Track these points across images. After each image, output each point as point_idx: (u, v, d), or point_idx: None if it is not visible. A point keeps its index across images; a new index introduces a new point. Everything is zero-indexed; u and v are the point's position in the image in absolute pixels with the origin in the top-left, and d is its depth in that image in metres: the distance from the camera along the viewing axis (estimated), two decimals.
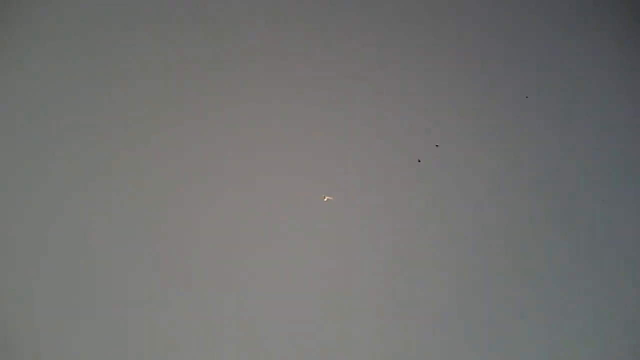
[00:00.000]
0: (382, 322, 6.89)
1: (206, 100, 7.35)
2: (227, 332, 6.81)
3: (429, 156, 7.35)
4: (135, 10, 7.38)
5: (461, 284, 7.02)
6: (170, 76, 7.34)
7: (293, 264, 7.03)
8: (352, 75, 7.47)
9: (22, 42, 7.18)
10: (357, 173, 7.30)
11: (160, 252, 6.93)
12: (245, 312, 6.88)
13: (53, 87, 7.19)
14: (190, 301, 6.85)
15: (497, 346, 6.86)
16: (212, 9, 7.46)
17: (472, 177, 7.30)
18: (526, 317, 6.94)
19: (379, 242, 7.11)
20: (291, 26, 7.50)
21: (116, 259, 6.88)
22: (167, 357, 6.70)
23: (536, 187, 7.27)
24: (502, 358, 6.84)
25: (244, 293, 6.93)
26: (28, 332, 6.64)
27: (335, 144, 7.35)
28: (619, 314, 6.88)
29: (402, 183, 7.28)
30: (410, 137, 7.38)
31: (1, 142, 7.03)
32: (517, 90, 7.49)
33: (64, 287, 6.78)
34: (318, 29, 7.53)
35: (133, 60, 7.33)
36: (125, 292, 6.81)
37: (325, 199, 7.14)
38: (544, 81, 7.49)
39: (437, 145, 6.92)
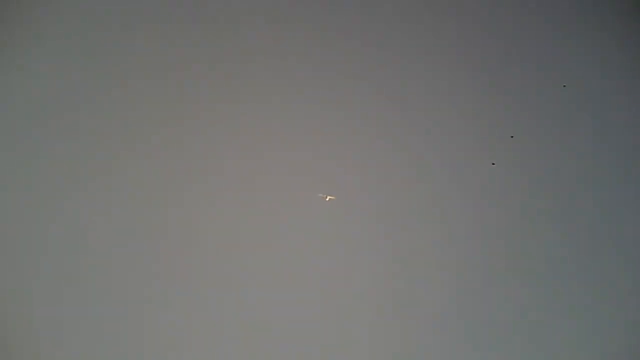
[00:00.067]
0: (382, 322, 6.89)
1: (206, 100, 7.35)
2: (227, 332, 6.81)
3: (429, 156, 7.35)
4: (135, 10, 7.38)
5: (461, 284, 7.01)
6: (170, 76, 7.34)
7: (293, 264, 7.03)
8: (352, 75, 7.47)
9: (22, 42, 7.18)
10: (357, 173, 7.29)
11: (160, 252, 6.93)
12: (245, 312, 6.88)
13: (53, 87, 7.19)
14: (190, 301, 6.85)
15: (497, 346, 6.86)
16: (212, 9, 7.46)
17: (472, 177, 7.30)
18: (526, 317, 6.93)
19: (379, 242, 7.11)
20: (291, 26, 7.50)
21: (116, 259, 6.88)
22: (167, 357, 6.69)
23: (536, 187, 7.26)
24: (502, 358, 6.84)
25: (244, 293, 6.92)
26: (28, 332, 6.64)
27: (335, 144, 7.35)
28: (619, 314, 6.88)
29: (402, 183, 7.28)
30: (410, 137, 7.38)
31: (1, 142, 7.03)
32: (517, 90, 7.48)
33: (64, 287, 6.78)
34: (318, 29, 7.53)
35: (133, 60, 7.33)
36: (125, 292, 6.81)
37: (327, 199, 7.14)
38: (544, 81, 7.48)
39: (512, 137, 6.88)
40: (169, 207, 7.05)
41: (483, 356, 6.84)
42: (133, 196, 7.04)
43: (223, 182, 7.18)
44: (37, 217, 6.90)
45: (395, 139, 7.38)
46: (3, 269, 6.76)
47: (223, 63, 7.42)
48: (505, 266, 7.07)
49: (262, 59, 7.44)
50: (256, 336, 6.81)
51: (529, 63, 7.54)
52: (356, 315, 6.89)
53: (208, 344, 6.75)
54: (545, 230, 7.16)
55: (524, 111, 7.45)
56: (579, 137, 7.38)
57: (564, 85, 7.17)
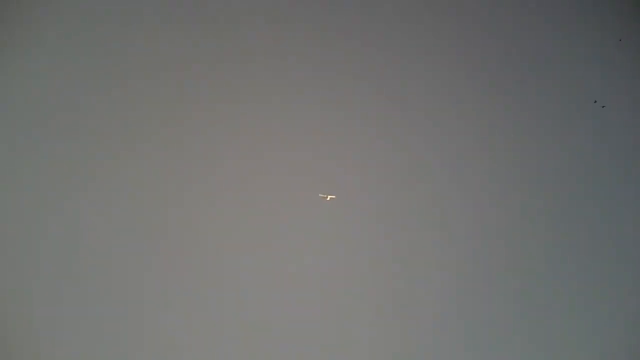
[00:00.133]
0: (382, 322, 6.90)
1: (206, 100, 7.36)
2: (227, 332, 6.81)
3: (429, 156, 7.35)
4: (135, 10, 7.38)
5: (461, 284, 7.02)
6: (170, 76, 7.34)
7: (293, 263, 7.03)
8: (352, 75, 7.48)
9: (22, 42, 7.18)
10: (357, 173, 7.30)
11: (160, 252, 6.94)
12: (245, 312, 6.88)
13: (53, 87, 7.19)
14: (190, 301, 6.86)
15: (497, 346, 6.86)
16: (212, 9, 7.46)
17: (472, 177, 7.31)
18: (526, 317, 6.94)
19: (379, 242, 7.12)
20: (291, 26, 7.50)
21: (116, 259, 6.88)
22: (167, 357, 6.70)
23: (536, 187, 7.27)
24: (502, 358, 6.84)
25: (243, 293, 6.93)
26: (28, 332, 6.65)
27: (335, 144, 7.36)
28: (619, 314, 6.88)
29: (402, 183, 7.28)
30: (410, 137, 7.38)
31: (1, 142, 7.03)
32: (517, 90, 7.48)
33: (64, 287, 6.78)
34: (318, 29, 7.53)
35: (133, 60, 7.33)
36: (125, 292, 6.81)
37: (327, 198, 7.14)
38: (544, 81, 7.49)
39: (603, 107, 6.79)
40: (169, 207, 7.05)
41: (483, 356, 6.85)
42: (133, 196, 7.04)
43: (223, 182, 7.19)
44: (37, 217, 6.90)
45: (395, 139, 7.38)
46: (3, 269, 6.77)
47: (223, 63, 7.42)
48: (505, 266, 7.07)
49: (262, 59, 7.44)
50: (256, 336, 6.81)
51: (529, 63, 7.53)
52: (356, 315, 6.90)
53: (208, 343, 6.76)
54: (545, 230, 7.16)
55: (524, 111, 7.45)
56: (579, 137, 7.38)
57: (595, 101, 7.18)
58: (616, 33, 7.46)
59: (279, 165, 7.28)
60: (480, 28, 7.61)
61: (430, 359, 6.83)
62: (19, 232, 6.86)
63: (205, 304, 6.87)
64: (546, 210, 7.22)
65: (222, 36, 7.46)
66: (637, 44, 7.43)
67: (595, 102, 7.24)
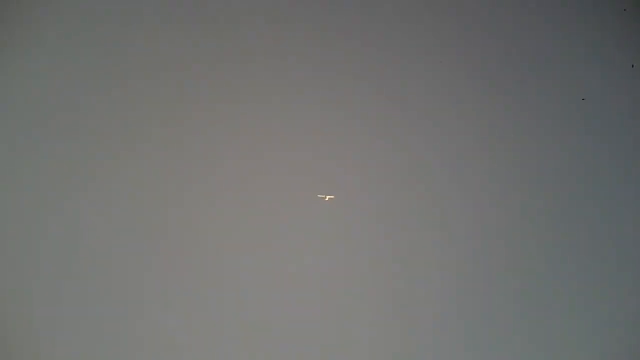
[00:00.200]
0: (382, 322, 6.90)
1: (206, 100, 7.35)
2: (227, 332, 6.81)
3: (429, 156, 7.35)
4: (135, 10, 7.38)
5: (461, 284, 7.02)
6: (170, 76, 7.34)
7: (293, 263, 7.03)
8: (352, 75, 7.47)
9: (22, 42, 7.18)
10: (357, 173, 7.30)
11: (160, 252, 6.94)
12: (245, 312, 6.88)
13: (53, 87, 7.19)
14: (190, 301, 6.86)
15: (497, 346, 6.86)
16: (212, 9, 7.46)
17: (472, 177, 7.31)
18: (526, 317, 6.94)
19: (379, 242, 7.12)
20: (291, 26, 7.50)
21: (116, 259, 6.88)
22: (167, 357, 6.70)
23: (536, 187, 7.27)
24: (502, 358, 6.84)
25: (243, 293, 6.93)
26: (28, 332, 6.65)
27: (335, 144, 7.36)
28: (619, 314, 6.88)
29: (402, 183, 7.28)
30: (410, 137, 7.38)
31: (1, 142, 7.03)
32: (516, 90, 7.48)
33: (64, 287, 6.79)
34: (318, 29, 7.53)
35: (133, 60, 7.33)
36: (125, 292, 6.81)
37: (326, 199, 7.14)
38: (543, 81, 7.48)
39: (632, 65, 6.77)
40: (169, 207, 7.05)
41: (483, 356, 6.85)
42: (133, 196, 7.04)
43: (223, 182, 7.19)
44: (37, 217, 6.90)
45: (395, 139, 7.38)
46: (3, 269, 6.77)
47: (223, 63, 7.41)
48: (505, 266, 7.07)
49: (262, 59, 7.44)
50: (256, 336, 6.81)
51: (529, 63, 7.53)
52: (356, 315, 6.90)
53: (208, 344, 6.76)
54: (545, 230, 7.16)
55: (524, 111, 7.45)
56: (579, 137, 7.38)
57: (583, 99, 7.18)
58: (616, 33, 7.47)
59: (279, 165, 7.28)
60: (480, 28, 7.60)
61: (430, 359, 6.83)
62: (19, 232, 6.86)
63: (205, 304, 6.87)
64: (546, 210, 7.21)
65: (222, 36, 7.45)
66: (637, 44, 7.43)
67: (584, 99, 7.25)
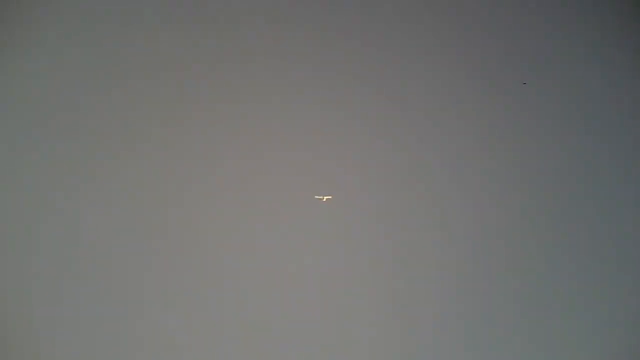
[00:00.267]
0: (382, 322, 6.89)
1: (206, 100, 7.36)
2: (227, 332, 6.81)
3: (429, 156, 7.35)
4: (135, 10, 7.38)
5: (461, 284, 7.02)
6: (170, 76, 7.34)
7: (293, 264, 7.03)
8: (352, 75, 7.47)
9: (22, 42, 7.19)
10: (357, 173, 7.30)
11: (160, 252, 6.94)
12: (245, 312, 6.88)
13: (53, 87, 7.20)
14: (190, 301, 6.86)
15: (497, 346, 6.86)
16: (212, 9, 7.46)
17: (472, 177, 7.31)
18: (526, 317, 6.94)
19: (379, 242, 7.12)
20: (291, 26, 7.50)
21: (116, 259, 6.88)
22: (167, 357, 6.70)
23: (536, 187, 7.27)
24: (502, 358, 6.84)
25: (244, 293, 6.93)
26: (28, 332, 6.65)
27: (335, 144, 7.36)
28: (619, 314, 6.88)
29: (402, 183, 7.28)
30: (410, 137, 7.38)
31: (1, 142, 7.04)
32: (517, 90, 7.48)
33: (64, 287, 6.79)
34: (318, 29, 7.53)
35: (133, 60, 7.33)
36: (124, 292, 6.81)
37: (324, 199, 7.14)
38: (544, 81, 7.49)
39: (524, 83, 6.82)
40: (169, 207, 7.05)
41: (483, 356, 6.85)
42: (133, 196, 7.04)
43: (223, 182, 7.19)
44: (37, 217, 6.90)
45: (395, 139, 7.38)
46: (3, 269, 6.77)
47: (223, 63, 7.41)
48: (505, 266, 7.07)
49: (262, 59, 7.44)
50: (256, 336, 6.81)
51: (529, 63, 7.53)
52: (356, 315, 6.90)
53: (208, 343, 6.76)
54: (545, 230, 7.16)
55: (524, 111, 7.45)
56: (579, 137, 7.38)
57: (524, 83, 7.19)
58: (616, 33, 7.47)
59: (279, 165, 7.28)
60: (480, 28, 7.60)
61: (430, 359, 6.83)
62: (19, 232, 6.86)
63: (205, 304, 6.87)
64: (546, 210, 7.21)
65: (222, 36, 7.46)
66: (637, 44, 7.43)
67: (525, 83, 7.24)
